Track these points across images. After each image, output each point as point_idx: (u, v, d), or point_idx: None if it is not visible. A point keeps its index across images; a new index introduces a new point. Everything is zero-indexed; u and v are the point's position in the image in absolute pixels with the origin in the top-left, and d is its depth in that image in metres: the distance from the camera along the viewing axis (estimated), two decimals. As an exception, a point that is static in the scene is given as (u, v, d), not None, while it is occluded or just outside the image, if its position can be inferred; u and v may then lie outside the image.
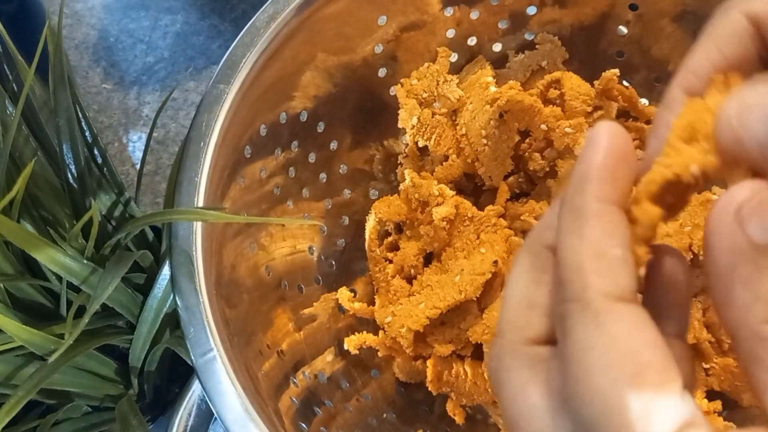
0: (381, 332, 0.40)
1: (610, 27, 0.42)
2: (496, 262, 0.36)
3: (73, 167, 0.34)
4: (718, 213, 0.15)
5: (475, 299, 0.36)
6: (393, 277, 0.41)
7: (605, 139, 0.16)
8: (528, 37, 0.44)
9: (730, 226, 0.15)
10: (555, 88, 0.41)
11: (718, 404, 0.37)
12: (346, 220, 0.43)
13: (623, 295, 0.15)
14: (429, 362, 0.38)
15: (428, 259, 0.41)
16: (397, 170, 0.45)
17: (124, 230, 0.32)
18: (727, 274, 0.15)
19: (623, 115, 0.42)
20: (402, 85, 0.42)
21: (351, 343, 0.39)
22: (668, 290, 0.18)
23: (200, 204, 0.32)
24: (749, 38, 0.17)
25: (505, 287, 0.17)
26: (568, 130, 0.39)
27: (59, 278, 0.31)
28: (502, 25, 0.43)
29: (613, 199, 0.16)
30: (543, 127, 0.39)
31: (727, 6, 0.17)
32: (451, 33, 0.42)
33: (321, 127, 0.41)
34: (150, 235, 0.37)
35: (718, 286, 0.15)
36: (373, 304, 0.41)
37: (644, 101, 0.42)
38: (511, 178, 0.42)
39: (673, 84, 0.17)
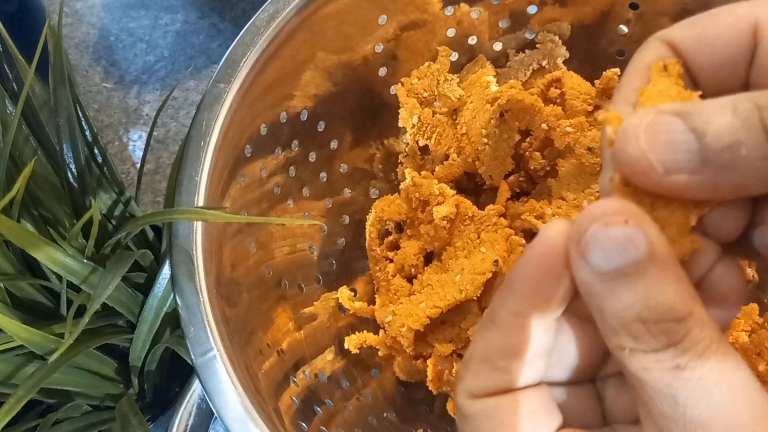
0: (381, 331, 0.40)
1: (610, 26, 0.42)
2: (496, 261, 0.36)
3: (73, 166, 0.34)
4: (569, 244, 0.16)
5: (475, 298, 0.36)
6: (393, 276, 0.41)
7: (539, 248, 0.16)
8: (528, 36, 0.44)
9: (577, 258, 0.15)
10: (555, 87, 0.41)
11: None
12: (347, 219, 0.43)
13: (477, 394, 0.17)
14: (429, 361, 0.38)
15: (429, 258, 0.41)
16: (397, 169, 0.45)
17: (124, 229, 0.32)
18: (589, 304, 0.16)
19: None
20: (402, 84, 0.42)
21: (351, 343, 0.39)
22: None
23: (200, 203, 0.32)
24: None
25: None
26: (568, 129, 0.39)
27: (59, 278, 0.31)
28: (503, 24, 0.43)
29: (526, 313, 0.16)
30: (543, 126, 0.39)
31: (649, 38, 0.18)
32: (451, 32, 0.42)
33: (321, 126, 0.41)
34: (150, 234, 0.37)
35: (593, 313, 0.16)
36: (374, 303, 0.41)
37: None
38: (511, 177, 0.42)
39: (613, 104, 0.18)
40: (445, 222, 0.38)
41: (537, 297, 0.16)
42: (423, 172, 0.42)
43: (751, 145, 0.14)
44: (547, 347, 0.18)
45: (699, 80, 0.18)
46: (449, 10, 0.41)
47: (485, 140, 0.40)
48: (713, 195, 0.15)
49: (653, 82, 0.17)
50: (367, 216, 0.43)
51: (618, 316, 0.15)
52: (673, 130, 0.14)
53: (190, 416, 0.32)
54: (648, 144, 0.15)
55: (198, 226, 0.32)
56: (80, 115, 0.35)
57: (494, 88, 0.41)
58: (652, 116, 0.15)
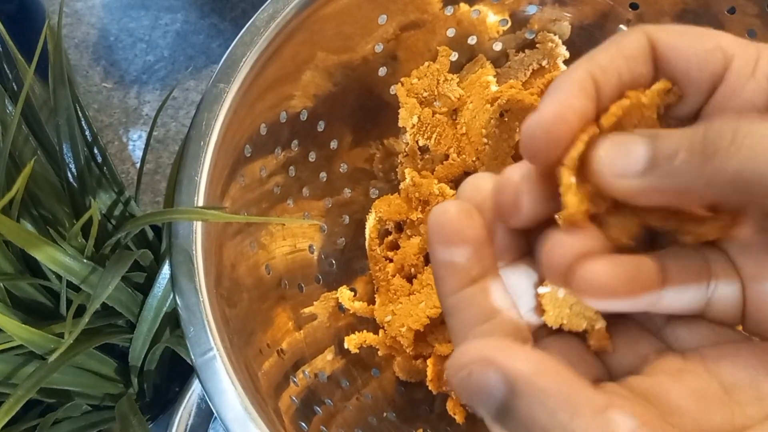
0: (381, 331, 0.40)
1: (610, 26, 0.42)
2: (496, 261, 0.36)
3: (73, 166, 0.34)
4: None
5: (475, 298, 0.36)
6: (393, 276, 0.41)
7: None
8: (528, 36, 0.44)
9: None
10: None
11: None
12: (347, 219, 0.43)
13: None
14: (429, 361, 0.38)
15: (428, 258, 0.41)
16: (397, 169, 0.45)
17: (124, 229, 0.32)
18: None
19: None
20: (402, 84, 0.42)
21: (351, 342, 0.39)
22: None
23: (200, 203, 0.32)
24: (647, 56, 0.18)
25: None
26: (568, 129, 0.39)
27: (59, 277, 0.31)
28: (503, 24, 0.43)
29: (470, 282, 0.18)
30: (543, 126, 0.39)
31: (637, 27, 0.19)
32: (451, 32, 0.42)
33: (321, 126, 0.41)
34: (150, 234, 0.37)
35: None
36: (374, 303, 0.41)
37: (645, 100, 0.42)
38: (511, 177, 0.42)
39: (579, 65, 0.18)
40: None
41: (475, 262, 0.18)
42: (423, 172, 0.42)
43: (687, 154, 0.16)
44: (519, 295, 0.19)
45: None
46: (449, 10, 0.41)
47: (485, 140, 0.40)
48: (660, 201, 0.17)
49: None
50: (367, 216, 0.43)
51: None
52: (631, 141, 0.17)
53: (190, 416, 0.32)
54: (606, 149, 0.17)
55: (198, 226, 0.32)
56: (80, 115, 0.35)
57: (494, 88, 0.41)
58: (618, 134, 0.17)
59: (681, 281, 0.18)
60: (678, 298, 0.18)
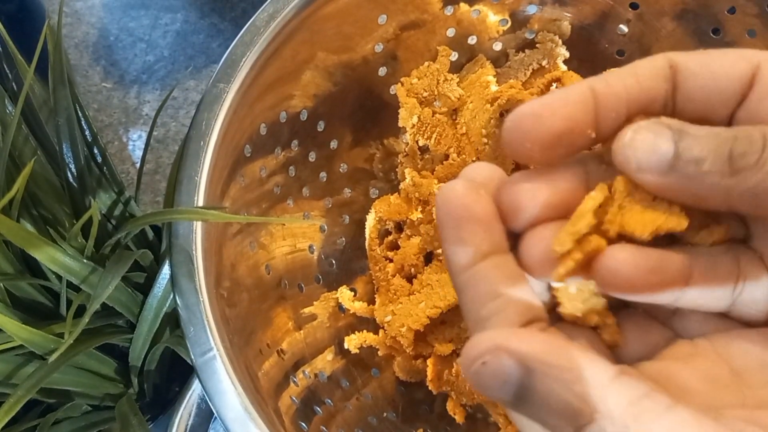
0: (381, 331, 0.40)
1: (610, 26, 0.42)
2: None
3: (72, 166, 0.34)
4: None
5: (475, 298, 0.36)
6: (393, 276, 0.41)
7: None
8: (528, 36, 0.44)
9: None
10: (556, 87, 0.41)
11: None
12: (347, 219, 0.43)
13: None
14: (429, 361, 0.38)
15: (428, 258, 0.41)
16: (397, 169, 0.45)
17: (124, 229, 0.32)
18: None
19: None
20: (402, 84, 0.42)
21: (351, 343, 0.39)
22: None
23: (200, 203, 0.32)
24: (664, 79, 0.18)
25: None
26: (568, 129, 0.39)
27: (59, 277, 0.31)
28: (503, 24, 0.43)
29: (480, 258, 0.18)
30: (543, 126, 0.39)
31: (657, 55, 0.19)
32: (451, 32, 0.42)
33: (321, 126, 0.41)
34: (150, 234, 0.37)
35: None
36: (374, 303, 0.41)
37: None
38: (511, 177, 0.42)
39: (587, 80, 0.18)
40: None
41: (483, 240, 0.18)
42: (423, 172, 0.42)
43: (713, 164, 0.16)
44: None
45: (685, 105, 0.18)
46: (449, 10, 0.41)
47: (485, 140, 0.40)
48: (676, 198, 0.17)
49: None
50: (367, 216, 0.43)
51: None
52: (658, 134, 0.17)
53: (190, 416, 0.32)
54: (631, 140, 0.17)
55: (198, 226, 0.32)
56: (80, 115, 0.35)
57: (494, 88, 0.41)
58: (646, 122, 0.17)
59: (707, 280, 0.18)
60: (702, 296, 0.18)
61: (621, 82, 0.18)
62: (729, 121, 0.18)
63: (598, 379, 0.15)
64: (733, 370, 0.17)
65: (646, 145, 0.17)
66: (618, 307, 0.19)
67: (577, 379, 0.15)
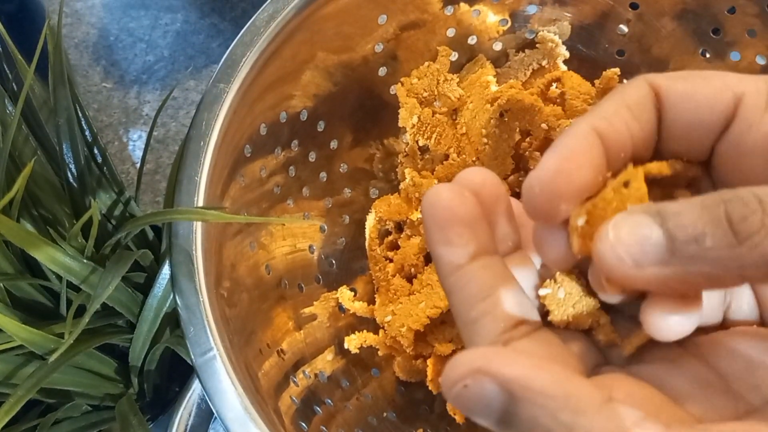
0: (381, 331, 0.40)
1: (610, 26, 0.42)
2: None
3: (72, 166, 0.34)
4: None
5: (475, 298, 0.36)
6: (393, 276, 0.41)
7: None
8: (528, 36, 0.44)
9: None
10: (556, 87, 0.41)
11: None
12: (347, 219, 0.43)
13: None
14: (429, 361, 0.38)
15: (429, 258, 0.41)
16: (397, 169, 0.45)
17: (124, 229, 0.32)
18: None
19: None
20: (402, 84, 0.42)
21: (351, 343, 0.39)
22: None
23: (200, 203, 0.32)
24: (651, 104, 0.18)
25: None
26: (568, 129, 0.39)
27: (59, 277, 0.31)
28: (503, 24, 0.43)
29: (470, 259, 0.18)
30: (543, 126, 0.39)
31: (638, 77, 0.18)
32: (451, 32, 0.42)
33: (321, 126, 0.41)
34: (150, 234, 0.37)
35: None
36: (374, 303, 0.41)
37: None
38: (511, 178, 0.42)
39: (582, 118, 0.18)
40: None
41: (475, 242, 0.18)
42: (423, 172, 0.42)
43: (715, 236, 0.14)
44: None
45: (667, 135, 0.18)
46: (449, 10, 0.41)
47: (485, 140, 0.40)
48: (687, 288, 0.16)
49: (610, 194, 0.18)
50: (367, 216, 0.43)
51: None
52: (640, 224, 0.15)
53: (190, 416, 0.32)
54: (616, 238, 0.15)
55: (198, 226, 0.32)
56: (80, 115, 0.35)
57: (494, 88, 0.41)
58: (619, 217, 0.16)
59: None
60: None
61: (620, 120, 0.18)
62: (710, 154, 0.18)
63: (586, 406, 0.14)
64: (720, 375, 0.17)
65: (635, 237, 0.15)
66: (608, 309, 0.19)
67: (563, 406, 0.14)
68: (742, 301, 0.18)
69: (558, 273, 0.19)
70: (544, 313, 0.19)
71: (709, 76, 0.18)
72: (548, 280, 0.19)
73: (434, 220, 0.18)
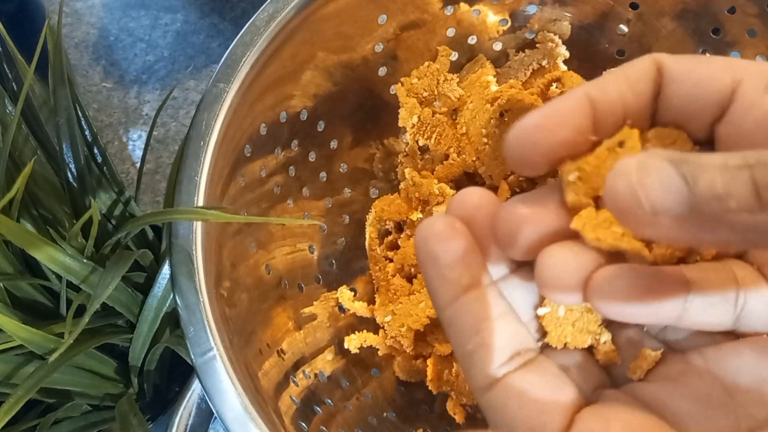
0: (381, 331, 0.40)
1: (610, 26, 0.42)
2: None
3: (72, 166, 0.34)
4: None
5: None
6: (393, 276, 0.41)
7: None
8: (528, 36, 0.44)
9: None
10: (555, 87, 0.41)
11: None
12: (347, 219, 0.43)
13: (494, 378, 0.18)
14: (429, 361, 0.38)
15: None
16: (397, 169, 0.45)
17: (124, 229, 0.32)
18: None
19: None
20: (402, 84, 0.42)
21: (351, 343, 0.39)
22: None
23: (200, 203, 0.32)
24: (652, 82, 0.18)
25: None
26: (568, 129, 0.39)
27: (59, 277, 0.31)
28: (503, 23, 0.43)
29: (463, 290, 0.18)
30: (543, 126, 0.39)
31: (645, 55, 0.19)
32: (451, 32, 0.42)
33: (321, 126, 0.41)
34: (150, 234, 0.37)
35: None
36: (374, 303, 0.41)
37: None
38: (511, 177, 0.42)
39: (579, 86, 0.18)
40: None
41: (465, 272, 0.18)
42: (423, 172, 0.42)
43: (740, 199, 0.14)
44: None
45: (665, 108, 0.18)
46: (449, 10, 0.41)
47: (485, 140, 0.40)
48: (694, 243, 0.16)
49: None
50: (367, 216, 0.43)
51: None
52: (664, 170, 0.14)
53: (190, 416, 0.32)
54: (639, 180, 0.14)
55: (198, 226, 0.32)
56: (80, 114, 0.35)
57: (494, 87, 0.41)
58: (644, 157, 0.15)
59: (705, 289, 0.17)
60: (705, 311, 0.17)
61: (615, 88, 0.18)
62: (708, 136, 0.18)
63: None
64: (726, 388, 0.17)
65: (658, 183, 0.14)
66: (608, 324, 0.19)
67: None
68: (759, 304, 0.17)
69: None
70: (543, 333, 0.19)
71: (713, 59, 0.18)
72: (548, 299, 0.19)
73: (427, 255, 0.18)
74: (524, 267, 0.19)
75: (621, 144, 0.17)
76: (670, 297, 0.17)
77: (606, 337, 0.19)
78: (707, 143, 0.19)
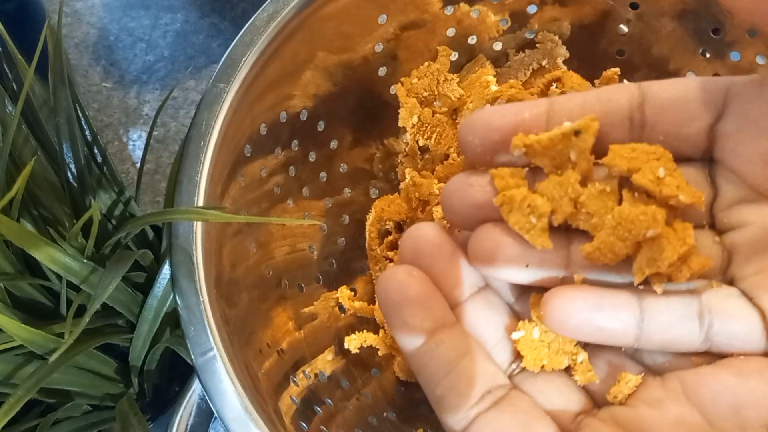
0: (381, 331, 0.40)
1: (610, 25, 0.42)
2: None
3: (73, 166, 0.34)
4: None
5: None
6: (393, 276, 0.41)
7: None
8: (528, 35, 0.44)
9: None
10: (556, 87, 0.41)
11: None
12: (347, 219, 0.43)
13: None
14: (429, 361, 0.38)
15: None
16: (397, 169, 0.45)
17: (124, 229, 0.32)
18: None
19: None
20: (402, 84, 0.42)
21: (351, 343, 0.39)
22: None
23: (200, 203, 0.32)
24: (626, 92, 0.18)
25: None
26: (568, 129, 0.39)
27: (59, 277, 0.31)
28: (503, 23, 0.43)
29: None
30: (543, 126, 0.39)
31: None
32: (451, 32, 0.42)
33: (321, 126, 0.41)
34: (150, 234, 0.37)
35: None
36: (374, 302, 0.41)
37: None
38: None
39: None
40: (445, 222, 0.38)
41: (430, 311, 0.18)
42: (423, 172, 0.42)
43: None
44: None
45: (656, 117, 0.18)
46: (449, 10, 0.41)
47: (485, 140, 0.40)
48: None
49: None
50: (367, 216, 0.43)
51: None
52: None
53: (190, 416, 0.32)
54: None
55: (198, 226, 0.32)
56: (80, 114, 0.35)
57: (494, 87, 0.41)
58: None
59: (660, 309, 0.17)
60: (664, 330, 0.17)
61: (580, 95, 0.18)
62: (706, 141, 0.18)
63: None
64: (705, 415, 0.17)
65: None
66: (585, 346, 0.19)
67: None
68: (731, 326, 0.17)
69: (532, 311, 0.19)
70: (517, 356, 0.19)
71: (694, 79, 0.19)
72: (522, 322, 0.19)
73: (388, 304, 0.18)
74: (487, 289, 0.19)
75: (577, 133, 0.17)
76: (621, 314, 0.17)
77: (582, 356, 0.19)
78: (700, 152, 0.19)
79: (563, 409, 0.18)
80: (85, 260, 0.31)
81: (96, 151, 0.36)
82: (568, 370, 0.19)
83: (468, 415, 0.17)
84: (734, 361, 0.17)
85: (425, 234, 0.18)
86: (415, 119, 0.41)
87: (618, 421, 0.17)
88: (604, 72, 0.40)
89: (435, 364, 0.17)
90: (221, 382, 0.29)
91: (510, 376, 0.19)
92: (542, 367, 0.19)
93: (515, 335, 0.19)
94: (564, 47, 0.43)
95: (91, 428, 0.34)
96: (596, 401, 0.19)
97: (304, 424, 0.34)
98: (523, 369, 0.19)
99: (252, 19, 0.35)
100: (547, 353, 0.18)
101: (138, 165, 0.53)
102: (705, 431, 0.17)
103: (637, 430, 0.17)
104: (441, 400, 0.17)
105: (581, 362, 0.19)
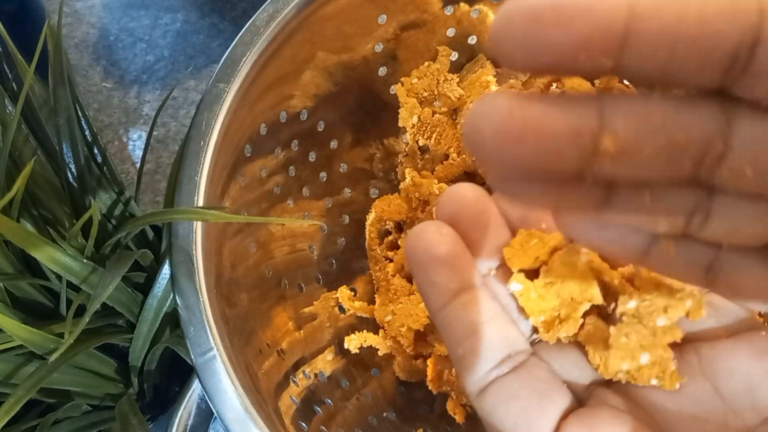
0: (381, 331, 0.40)
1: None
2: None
3: (72, 166, 0.34)
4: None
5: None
6: (393, 275, 0.41)
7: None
8: (528, 35, 0.44)
9: None
10: (556, 87, 0.41)
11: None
12: (347, 219, 0.43)
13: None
14: (429, 361, 0.38)
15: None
16: (397, 169, 0.45)
17: (124, 229, 0.32)
18: None
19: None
20: (402, 84, 0.42)
21: (351, 343, 0.39)
22: None
23: (200, 203, 0.32)
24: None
25: None
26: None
27: (59, 277, 0.31)
28: (503, 23, 0.43)
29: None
30: (543, 126, 0.39)
31: None
32: (451, 32, 0.42)
33: (321, 126, 0.41)
34: (150, 234, 0.37)
35: None
36: (374, 303, 0.41)
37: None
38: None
39: None
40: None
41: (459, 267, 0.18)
42: (423, 172, 0.42)
43: None
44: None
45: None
46: (449, 10, 0.41)
47: (485, 140, 0.40)
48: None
49: None
50: (367, 216, 0.43)
51: None
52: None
53: (190, 416, 0.32)
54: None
55: (198, 226, 0.32)
56: (80, 114, 0.35)
57: (494, 88, 0.41)
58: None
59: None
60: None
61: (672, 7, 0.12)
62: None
63: None
64: (719, 391, 0.17)
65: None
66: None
67: None
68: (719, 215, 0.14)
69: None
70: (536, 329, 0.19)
71: None
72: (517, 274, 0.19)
73: (416, 262, 0.18)
74: None
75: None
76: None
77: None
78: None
79: (576, 381, 0.18)
80: (85, 260, 0.31)
81: (96, 151, 0.36)
82: (582, 348, 0.19)
83: (487, 377, 0.17)
84: (753, 337, 0.17)
85: (468, 195, 0.18)
86: (415, 119, 0.41)
87: (629, 396, 0.17)
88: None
89: (459, 325, 0.18)
90: (221, 382, 0.29)
91: (531, 344, 0.19)
92: (553, 323, 0.19)
93: (514, 287, 0.19)
94: (564, 47, 0.43)
95: (91, 428, 0.34)
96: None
97: (304, 424, 0.34)
98: (541, 340, 0.19)
99: (252, 19, 0.35)
100: (555, 306, 0.18)
101: (138, 165, 0.53)
102: (716, 407, 0.17)
103: (648, 405, 0.17)
104: (462, 359, 0.18)
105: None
